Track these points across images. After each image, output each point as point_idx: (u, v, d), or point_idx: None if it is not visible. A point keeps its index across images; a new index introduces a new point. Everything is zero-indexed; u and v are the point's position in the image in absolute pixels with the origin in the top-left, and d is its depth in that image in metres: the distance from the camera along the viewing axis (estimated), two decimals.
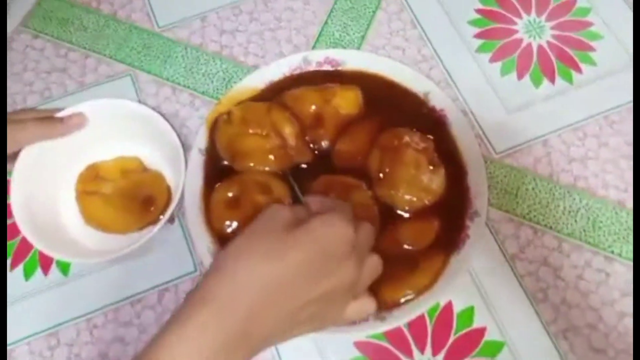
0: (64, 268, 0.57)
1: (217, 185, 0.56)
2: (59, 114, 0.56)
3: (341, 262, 0.41)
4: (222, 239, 0.54)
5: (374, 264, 0.45)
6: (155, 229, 0.52)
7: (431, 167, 0.55)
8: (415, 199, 0.54)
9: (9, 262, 0.58)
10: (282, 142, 0.57)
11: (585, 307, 0.55)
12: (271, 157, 0.56)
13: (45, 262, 0.58)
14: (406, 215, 0.55)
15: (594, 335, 0.54)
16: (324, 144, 0.58)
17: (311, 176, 0.57)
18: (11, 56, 0.68)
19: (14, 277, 0.57)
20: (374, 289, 0.51)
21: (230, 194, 0.55)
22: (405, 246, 0.53)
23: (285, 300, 0.39)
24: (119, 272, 0.57)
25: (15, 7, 0.71)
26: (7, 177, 0.55)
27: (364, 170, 0.57)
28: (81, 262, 0.56)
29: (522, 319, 0.55)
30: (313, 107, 0.59)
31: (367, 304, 0.46)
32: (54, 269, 0.57)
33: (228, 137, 0.57)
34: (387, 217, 0.55)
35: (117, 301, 0.56)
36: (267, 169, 0.56)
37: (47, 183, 0.57)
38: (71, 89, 0.66)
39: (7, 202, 0.54)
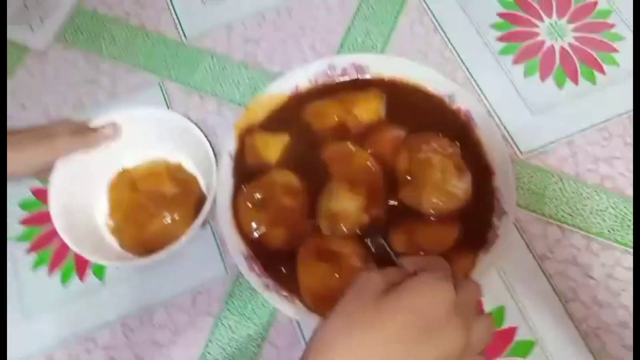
0: (100, 273, 0.59)
1: (244, 187, 0.57)
2: (93, 124, 0.57)
3: (442, 329, 0.37)
4: (251, 241, 0.55)
5: (484, 326, 0.41)
6: (189, 233, 0.53)
7: (457, 172, 0.56)
8: (440, 202, 0.55)
9: (46, 267, 0.59)
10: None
11: (617, 306, 0.55)
12: None
13: (81, 268, 0.59)
14: (432, 218, 0.55)
15: (626, 333, 0.54)
16: None
17: None
18: (45, 68, 0.70)
19: (52, 282, 0.59)
20: None
21: (257, 196, 0.56)
22: (425, 248, 0.54)
23: None
24: (153, 276, 0.58)
25: (49, 21, 0.73)
26: (44, 186, 0.57)
27: (390, 174, 0.57)
28: (116, 265, 0.58)
29: (553, 318, 0.55)
30: (335, 118, 0.60)
31: None
32: (89, 274, 0.59)
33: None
34: (411, 219, 0.55)
35: (152, 305, 0.57)
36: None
37: (82, 190, 0.58)
38: (102, 99, 0.68)
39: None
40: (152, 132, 0.59)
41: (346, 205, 0.55)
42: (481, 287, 0.43)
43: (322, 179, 0.58)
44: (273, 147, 0.60)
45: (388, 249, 0.52)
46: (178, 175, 0.60)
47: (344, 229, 0.54)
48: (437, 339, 0.37)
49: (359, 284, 0.40)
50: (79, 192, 0.58)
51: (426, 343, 0.37)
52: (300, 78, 0.63)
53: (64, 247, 0.55)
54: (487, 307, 0.55)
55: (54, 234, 0.54)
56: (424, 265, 0.43)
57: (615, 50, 0.67)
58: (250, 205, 0.56)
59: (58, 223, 0.54)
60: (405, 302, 0.38)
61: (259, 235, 0.55)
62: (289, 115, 0.61)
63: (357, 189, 0.55)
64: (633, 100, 0.64)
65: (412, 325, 0.37)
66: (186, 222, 0.56)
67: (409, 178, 0.56)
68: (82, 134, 0.55)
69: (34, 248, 0.60)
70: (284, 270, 0.54)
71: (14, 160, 0.51)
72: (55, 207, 0.55)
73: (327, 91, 0.62)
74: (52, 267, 0.59)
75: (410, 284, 0.39)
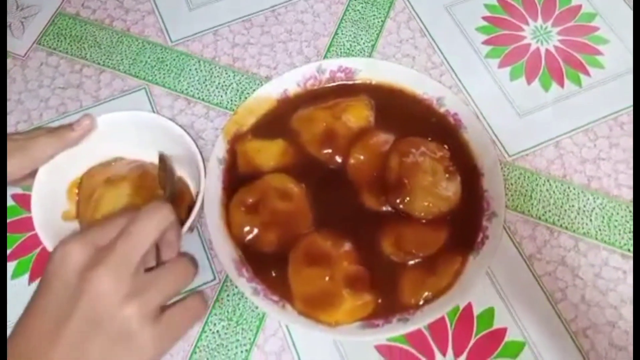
0: None
1: (237, 192, 0.56)
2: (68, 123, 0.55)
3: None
4: (242, 245, 0.54)
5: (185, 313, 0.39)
6: None
7: (447, 175, 0.56)
8: (431, 205, 0.55)
9: (27, 276, 0.58)
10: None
11: (605, 305, 0.55)
12: None
13: None
14: (422, 221, 0.55)
15: (614, 332, 0.54)
16: (338, 159, 0.59)
17: (327, 191, 0.57)
18: (27, 73, 0.69)
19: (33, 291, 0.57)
20: (393, 292, 0.53)
21: (249, 200, 0.55)
22: (413, 250, 0.54)
23: None
24: None
25: (30, 26, 0.72)
26: (27, 192, 0.55)
27: (380, 179, 0.57)
28: None
29: (542, 319, 0.55)
30: (323, 124, 0.60)
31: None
32: None
33: None
34: (401, 221, 0.55)
35: None
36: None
37: (66, 196, 0.57)
38: (86, 104, 0.67)
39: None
40: (139, 136, 0.58)
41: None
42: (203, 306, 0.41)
43: (319, 181, 0.58)
44: (267, 153, 0.59)
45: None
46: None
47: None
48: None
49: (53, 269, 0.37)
50: (63, 198, 0.57)
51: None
52: (288, 82, 0.62)
53: (45, 255, 0.53)
54: (477, 308, 0.55)
55: (35, 241, 0.53)
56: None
57: (600, 53, 0.68)
58: (243, 209, 0.55)
59: (41, 231, 0.52)
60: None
61: (251, 239, 0.55)
62: (279, 120, 0.61)
63: None
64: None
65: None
66: None
67: (399, 182, 0.56)
68: (59, 133, 0.54)
69: (13, 256, 0.59)
70: (274, 274, 0.54)
71: None
72: (38, 214, 0.53)
73: (316, 96, 0.62)
74: (33, 275, 0.58)
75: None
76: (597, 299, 0.55)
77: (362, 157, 0.58)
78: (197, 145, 0.56)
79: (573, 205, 0.60)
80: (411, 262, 0.54)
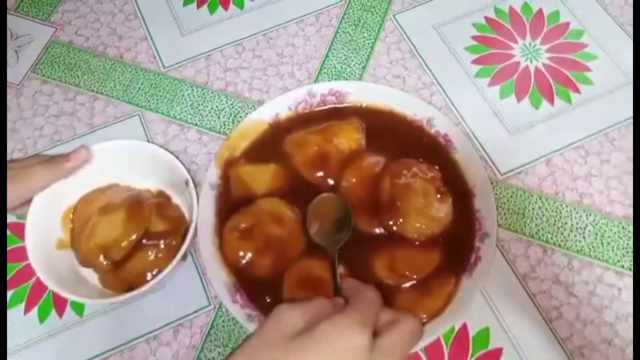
0: (79, 309, 0.58)
1: (231, 217, 0.56)
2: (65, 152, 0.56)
3: None
4: (237, 271, 0.55)
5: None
6: (170, 266, 0.52)
7: (439, 196, 0.56)
8: (424, 226, 0.55)
9: (23, 305, 0.58)
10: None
11: (600, 323, 0.55)
12: None
13: (60, 304, 0.58)
14: (415, 242, 0.56)
15: (611, 350, 0.54)
16: (330, 181, 0.59)
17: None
18: (21, 102, 0.70)
19: (29, 320, 0.57)
20: None
21: (243, 225, 0.55)
22: (407, 273, 0.54)
23: None
24: (134, 310, 0.57)
25: (24, 54, 0.73)
26: (22, 221, 0.56)
27: (373, 201, 0.57)
28: (96, 303, 0.57)
29: (538, 338, 0.55)
30: (315, 148, 0.60)
31: None
32: (68, 309, 0.58)
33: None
34: (394, 243, 0.56)
35: (133, 339, 0.56)
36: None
37: (59, 226, 0.57)
38: (80, 131, 0.68)
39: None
40: (132, 164, 0.59)
41: None
42: (419, 329, 0.46)
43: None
44: (260, 178, 0.60)
45: (335, 265, 0.52)
46: (165, 212, 0.58)
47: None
48: None
49: (273, 320, 0.40)
50: (57, 226, 0.57)
51: None
52: (280, 106, 0.63)
53: (41, 284, 0.53)
54: (472, 329, 0.55)
55: (30, 270, 0.53)
56: (355, 296, 0.44)
57: (588, 69, 0.69)
58: (237, 234, 0.56)
59: (35, 260, 0.52)
60: (317, 347, 0.38)
61: (245, 265, 0.55)
62: (271, 143, 0.62)
63: None
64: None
65: None
66: (171, 255, 0.55)
67: (391, 204, 0.56)
68: (54, 162, 0.54)
69: (9, 285, 0.59)
70: (268, 299, 0.54)
71: None
72: (31, 243, 0.53)
73: (307, 119, 0.63)
74: (29, 304, 0.58)
75: (324, 327, 0.39)
76: (592, 317, 0.55)
77: (354, 180, 0.58)
78: (189, 173, 0.56)
79: (566, 223, 0.60)
80: (405, 285, 0.54)
